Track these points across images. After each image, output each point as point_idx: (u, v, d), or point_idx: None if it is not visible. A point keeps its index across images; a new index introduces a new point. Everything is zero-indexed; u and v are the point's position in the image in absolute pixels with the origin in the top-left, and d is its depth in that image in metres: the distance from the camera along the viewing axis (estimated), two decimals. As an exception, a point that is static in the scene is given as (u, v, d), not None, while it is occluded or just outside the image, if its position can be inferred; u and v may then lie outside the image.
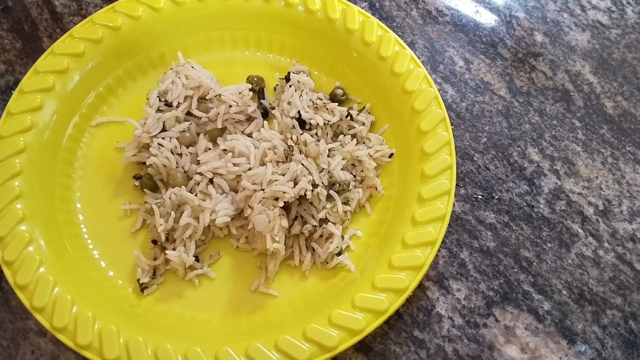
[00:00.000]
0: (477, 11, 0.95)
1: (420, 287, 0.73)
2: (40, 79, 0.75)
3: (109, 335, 0.62)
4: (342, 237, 0.72)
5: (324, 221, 0.71)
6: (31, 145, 0.72)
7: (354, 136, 0.77)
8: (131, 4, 0.81)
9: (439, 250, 0.67)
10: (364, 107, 0.80)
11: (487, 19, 0.94)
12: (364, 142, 0.77)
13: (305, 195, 0.69)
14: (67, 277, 0.66)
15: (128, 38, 0.81)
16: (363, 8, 0.85)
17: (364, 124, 0.78)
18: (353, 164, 0.75)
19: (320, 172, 0.71)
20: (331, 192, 0.71)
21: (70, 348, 0.62)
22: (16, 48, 0.89)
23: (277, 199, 0.68)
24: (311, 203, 0.71)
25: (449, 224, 0.68)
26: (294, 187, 0.69)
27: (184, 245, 0.69)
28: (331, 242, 0.70)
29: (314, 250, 0.71)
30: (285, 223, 0.68)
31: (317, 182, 0.70)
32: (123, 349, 0.61)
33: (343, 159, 0.74)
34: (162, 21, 0.82)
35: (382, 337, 0.70)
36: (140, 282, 0.69)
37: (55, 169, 0.74)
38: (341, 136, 0.77)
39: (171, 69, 0.78)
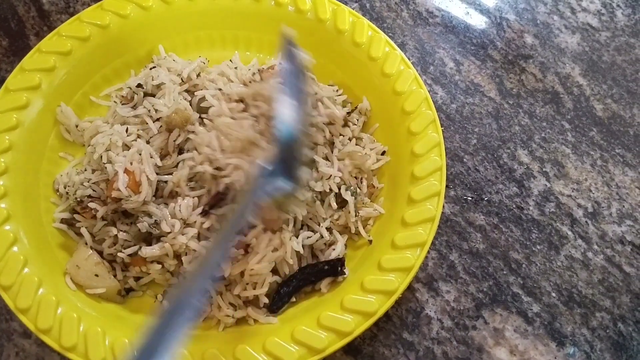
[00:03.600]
0: (468, 13, 0.95)
1: (410, 289, 0.72)
2: (27, 77, 0.74)
3: (94, 336, 0.61)
4: (345, 245, 0.71)
5: (329, 230, 0.70)
6: (16, 143, 0.71)
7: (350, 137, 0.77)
8: (119, 2, 0.80)
9: (428, 252, 0.67)
10: (355, 107, 0.79)
11: (478, 20, 0.94)
12: (357, 144, 0.77)
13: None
14: (52, 278, 0.65)
15: (116, 37, 0.80)
16: (354, 9, 0.85)
17: (355, 124, 0.77)
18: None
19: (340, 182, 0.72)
20: (347, 197, 0.71)
21: (55, 350, 0.61)
22: (2, 46, 0.88)
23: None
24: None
25: (439, 226, 0.68)
26: None
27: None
28: (333, 249, 0.69)
29: (317, 258, 0.70)
30: (297, 246, 0.67)
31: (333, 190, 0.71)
32: (109, 351, 0.60)
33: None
34: (150, 20, 0.81)
35: (371, 339, 0.69)
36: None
37: (41, 168, 0.73)
38: (340, 137, 0.76)
39: (152, 61, 0.78)
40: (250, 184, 0.61)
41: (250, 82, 0.74)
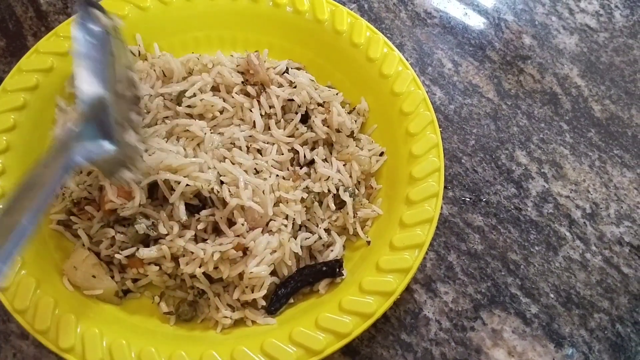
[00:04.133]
0: (466, 13, 0.95)
1: (408, 290, 0.72)
2: (24, 78, 0.74)
3: (91, 338, 0.61)
4: (344, 246, 0.71)
5: (327, 231, 0.71)
6: (14, 144, 0.71)
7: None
8: (117, 3, 0.80)
9: (426, 253, 0.67)
10: (354, 108, 0.79)
11: (476, 21, 0.94)
12: (356, 145, 0.77)
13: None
14: (49, 279, 0.65)
15: (114, 37, 0.80)
16: (352, 9, 0.85)
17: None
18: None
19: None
20: (345, 198, 0.71)
21: (52, 351, 0.60)
22: (0, 46, 0.88)
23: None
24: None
25: (437, 227, 0.67)
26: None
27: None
28: (331, 251, 0.69)
29: (315, 259, 0.70)
30: (295, 248, 0.67)
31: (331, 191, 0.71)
32: (106, 352, 0.60)
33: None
34: (148, 20, 0.81)
35: (369, 341, 0.69)
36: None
37: (39, 169, 0.73)
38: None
39: (146, 60, 0.77)
40: (57, 147, 0.58)
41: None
